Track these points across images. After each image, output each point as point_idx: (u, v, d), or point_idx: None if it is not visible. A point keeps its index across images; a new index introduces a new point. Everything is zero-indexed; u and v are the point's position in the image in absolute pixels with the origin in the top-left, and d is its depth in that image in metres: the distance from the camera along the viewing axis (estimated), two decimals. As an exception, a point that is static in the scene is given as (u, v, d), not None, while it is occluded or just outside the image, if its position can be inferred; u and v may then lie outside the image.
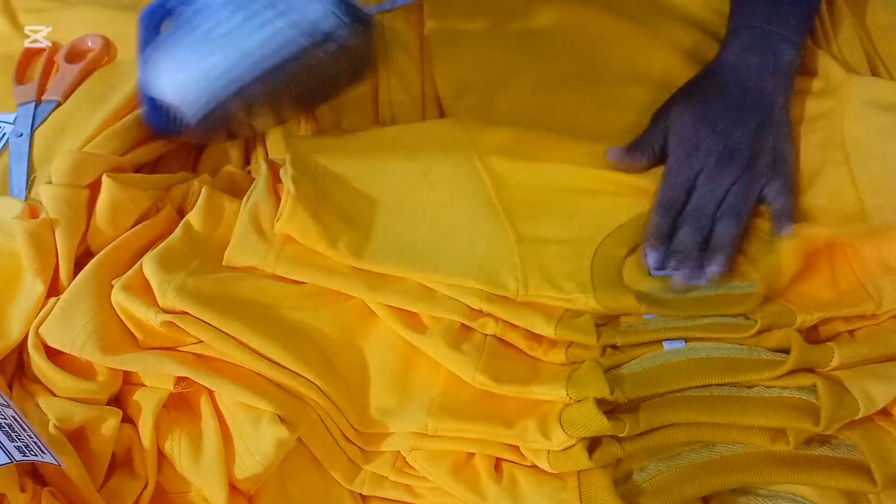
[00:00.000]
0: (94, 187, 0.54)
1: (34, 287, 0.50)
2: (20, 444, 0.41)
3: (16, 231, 0.51)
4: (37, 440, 0.43)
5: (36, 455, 0.42)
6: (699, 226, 0.54)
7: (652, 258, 0.53)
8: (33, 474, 0.46)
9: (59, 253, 0.51)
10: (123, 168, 0.57)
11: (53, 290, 0.51)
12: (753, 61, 0.58)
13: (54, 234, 0.52)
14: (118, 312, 0.49)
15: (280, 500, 0.48)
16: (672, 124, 0.57)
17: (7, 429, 0.42)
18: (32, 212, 0.53)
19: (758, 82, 0.58)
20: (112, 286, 0.50)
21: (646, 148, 0.57)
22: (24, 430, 0.43)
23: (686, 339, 0.50)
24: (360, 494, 0.49)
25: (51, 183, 0.54)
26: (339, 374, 0.50)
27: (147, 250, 0.53)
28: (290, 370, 0.49)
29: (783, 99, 0.58)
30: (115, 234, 0.53)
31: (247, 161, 0.63)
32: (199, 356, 0.49)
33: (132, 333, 0.50)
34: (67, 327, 0.48)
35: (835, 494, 0.47)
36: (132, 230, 0.53)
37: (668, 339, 0.50)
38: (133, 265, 0.51)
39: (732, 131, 0.56)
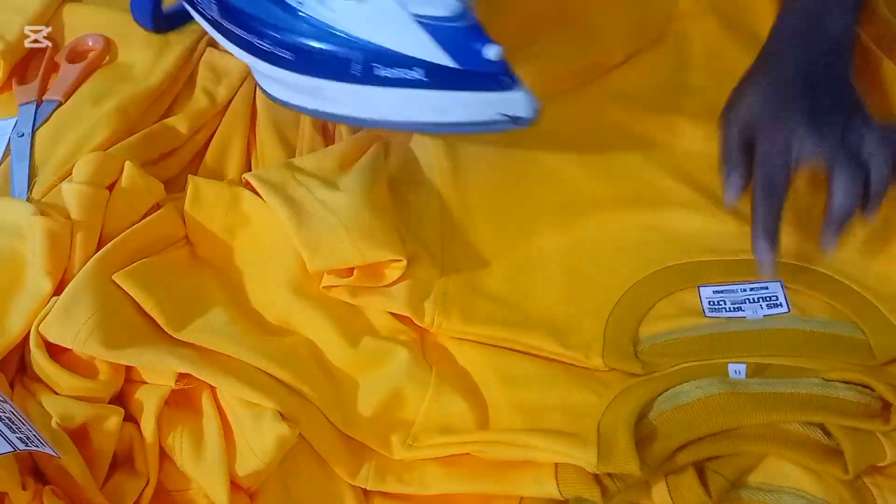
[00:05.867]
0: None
1: (42, 286, 0.50)
2: (21, 435, 0.41)
3: (35, 228, 0.51)
4: (36, 433, 0.43)
5: (37, 446, 0.42)
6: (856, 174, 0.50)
7: (765, 255, 0.51)
8: (35, 473, 0.46)
9: (76, 253, 0.51)
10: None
11: (58, 292, 0.51)
12: (804, 28, 0.57)
13: (72, 236, 0.51)
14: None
15: (282, 495, 0.48)
16: (749, 118, 0.54)
17: (7, 421, 0.42)
18: (41, 213, 0.53)
19: (818, 38, 0.56)
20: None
21: (737, 161, 0.53)
22: (23, 423, 0.43)
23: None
24: (363, 490, 0.49)
25: (71, 181, 0.54)
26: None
27: (149, 248, 0.53)
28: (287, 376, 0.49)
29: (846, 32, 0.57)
30: (130, 220, 0.54)
31: (248, 165, 0.63)
32: (200, 351, 0.49)
33: (134, 328, 0.50)
34: (69, 322, 0.48)
35: (838, 487, 0.47)
36: (135, 227, 0.53)
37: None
38: (134, 262, 0.52)
39: (815, 94, 0.53)
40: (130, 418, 0.49)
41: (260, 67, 0.54)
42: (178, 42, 0.66)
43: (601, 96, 0.65)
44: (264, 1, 0.51)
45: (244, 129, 0.64)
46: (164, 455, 0.48)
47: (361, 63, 0.49)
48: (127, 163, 0.55)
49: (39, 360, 0.48)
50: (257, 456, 0.46)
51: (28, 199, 0.56)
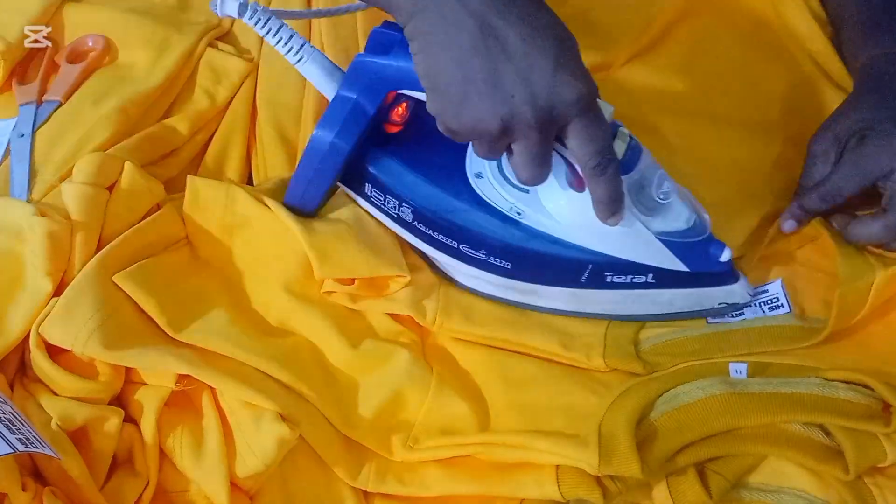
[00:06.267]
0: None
1: (42, 286, 0.50)
2: (21, 436, 0.41)
3: (35, 228, 0.50)
4: (36, 434, 0.43)
5: (37, 447, 0.42)
6: None
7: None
8: (35, 474, 0.46)
9: (76, 254, 0.51)
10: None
11: (58, 293, 0.51)
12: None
13: (72, 237, 0.51)
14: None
15: (282, 497, 0.48)
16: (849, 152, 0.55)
17: (7, 423, 0.42)
18: (41, 214, 0.53)
19: None
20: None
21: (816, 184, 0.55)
22: (23, 424, 0.43)
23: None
24: (364, 491, 0.49)
25: (71, 182, 0.53)
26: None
27: (149, 249, 0.53)
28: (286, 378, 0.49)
29: None
30: (130, 221, 0.54)
31: (248, 165, 0.63)
32: (200, 352, 0.49)
33: (134, 329, 0.50)
34: (70, 323, 0.48)
35: (838, 487, 0.47)
36: (135, 227, 0.53)
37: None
38: (134, 263, 0.51)
39: None
40: (130, 419, 0.49)
41: (465, 270, 0.53)
42: (178, 42, 0.65)
43: (603, 96, 0.65)
44: (476, 213, 0.50)
45: (244, 129, 0.64)
46: (163, 456, 0.48)
47: (590, 272, 0.50)
48: (127, 163, 0.55)
49: (39, 361, 0.48)
50: (257, 457, 0.46)
51: (28, 200, 0.56)
